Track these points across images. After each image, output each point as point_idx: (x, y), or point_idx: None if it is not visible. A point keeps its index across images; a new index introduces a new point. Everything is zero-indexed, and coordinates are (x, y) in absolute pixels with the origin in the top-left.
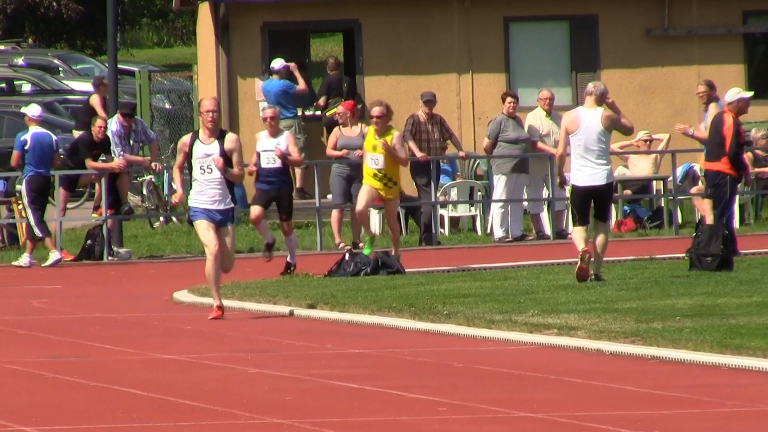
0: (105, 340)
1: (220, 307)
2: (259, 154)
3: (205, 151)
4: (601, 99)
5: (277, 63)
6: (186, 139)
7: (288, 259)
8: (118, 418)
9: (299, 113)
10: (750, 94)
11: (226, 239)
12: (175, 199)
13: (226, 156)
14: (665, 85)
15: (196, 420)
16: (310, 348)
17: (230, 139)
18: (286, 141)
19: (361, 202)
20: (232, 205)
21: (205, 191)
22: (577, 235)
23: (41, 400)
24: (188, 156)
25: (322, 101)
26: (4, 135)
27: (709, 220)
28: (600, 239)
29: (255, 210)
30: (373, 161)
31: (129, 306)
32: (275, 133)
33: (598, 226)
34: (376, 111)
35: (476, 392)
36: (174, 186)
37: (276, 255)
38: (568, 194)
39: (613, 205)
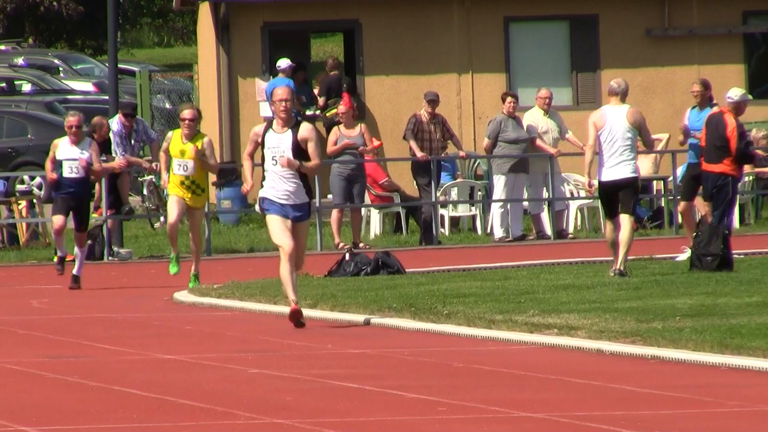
0: (105, 340)
1: (296, 303)
2: (60, 163)
3: (278, 140)
4: (625, 96)
5: (283, 62)
6: (258, 129)
7: (74, 271)
8: (118, 418)
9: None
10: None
11: (298, 237)
12: (245, 187)
13: (298, 146)
14: (665, 85)
15: (196, 420)
16: (310, 348)
17: (305, 128)
18: (90, 149)
19: (172, 215)
20: (308, 199)
21: (278, 185)
22: (608, 228)
23: (41, 400)
24: (260, 146)
25: (321, 102)
26: (4, 135)
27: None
28: (623, 234)
29: (59, 220)
30: (181, 167)
31: (129, 306)
32: (78, 140)
33: (622, 220)
34: (187, 114)
35: (476, 392)
36: (245, 175)
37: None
38: (589, 193)
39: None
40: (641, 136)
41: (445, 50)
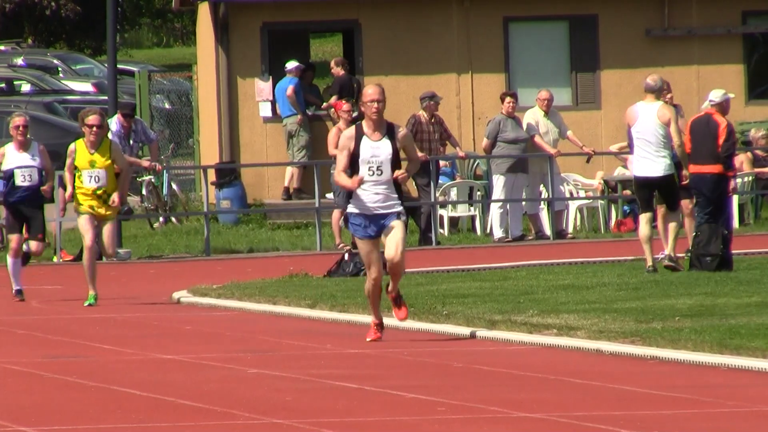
0: (105, 340)
1: (380, 326)
2: (11, 172)
3: (374, 150)
4: (660, 94)
5: (291, 64)
6: (350, 132)
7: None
8: (118, 418)
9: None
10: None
11: (395, 239)
12: (354, 183)
13: (397, 156)
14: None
15: (196, 420)
16: (310, 348)
17: (401, 135)
18: (40, 154)
19: (89, 237)
20: (400, 207)
21: (369, 194)
22: (642, 221)
23: (41, 400)
24: (352, 154)
25: (333, 101)
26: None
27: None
28: (670, 227)
29: (16, 238)
30: (92, 179)
31: (128, 306)
32: (26, 145)
33: (668, 215)
34: (92, 120)
35: (476, 392)
36: (346, 185)
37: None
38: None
39: (612, 205)
40: (672, 127)
41: (444, 50)
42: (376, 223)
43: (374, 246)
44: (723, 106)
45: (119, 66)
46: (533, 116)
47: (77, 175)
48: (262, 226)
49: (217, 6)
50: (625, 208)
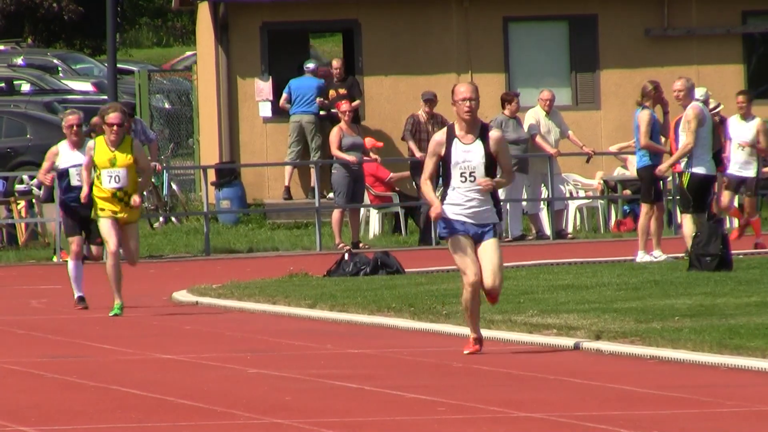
0: (105, 340)
1: (478, 340)
2: (65, 171)
3: (466, 154)
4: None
5: (312, 64)
6: (440, 137)
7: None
8: (118, 418)
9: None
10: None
11: (492, 264)
12: (434, 212)
13: (490, 160)
14: (665, 85)
15: (196, 420)
16: (310, 348)
17: (495, 139)
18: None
19: (112, 242)
20: (497, 219)
21: (461, 202)
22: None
23: (41, 400)
24: (443, 158)
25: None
26: (3, 135)
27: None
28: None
29: (77, 240)
30: (112, 179)
31: (128, 306)
32: (80, 144)
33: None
34: (114, 118)
35: (475, 392)
36: (431, 198)
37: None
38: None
39: (612, 205)
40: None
41: (444, 50)
42: (473, 228)
43: (469, 244)
44: (705, 105)
45: (119, 65)
46: (535, 116)
47: (96, 174)
48: (261, 226)
49: (216, 6)
50: (625, 208)
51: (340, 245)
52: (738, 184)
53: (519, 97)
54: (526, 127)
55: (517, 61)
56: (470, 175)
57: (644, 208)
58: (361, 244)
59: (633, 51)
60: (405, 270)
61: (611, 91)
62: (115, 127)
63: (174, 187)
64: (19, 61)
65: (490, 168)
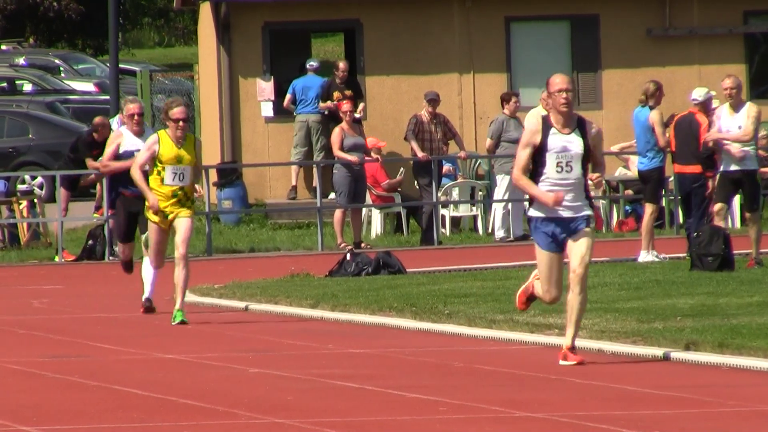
0: (105, 340)
1: (572, 349)
2: (130, 154)
3: (564, 143)
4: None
5: (316, 61)
6: (535, 126)
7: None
8: (119, 418)
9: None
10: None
11: (581, 250)
12: (554, 199)
13: (587, 153)
14: (666, 85)
15: (197, 420)
16: (311, 348)
17: (594, 132)
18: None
19: (154, 250)
20: (590, 211)
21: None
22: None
23: (41, 400)
24: (538, 147)
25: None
26: (5, 135)
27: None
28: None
29: (127, 249)
30: (176, 176)
31: (130, 306)
32: (141, 133)
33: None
34: (180, 112)
35: (477, 392)
36: (531, 193)
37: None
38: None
39: (614, 205)
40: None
41: (445, 50)
42: (564, 228)
43: (557, 262)
44: (706, 105)
45: (121, 65)
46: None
47: (157, 170)
48: (263, 226)
49: (218, 6)
50: (627, 207)
51: (342, 245)
52: (736, 183)
53: (518, 96)
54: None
55: (519, 60)
56: (567, 165)
57: (649, 208)
58: (363, 244)
59: (634, 51)
60: (407, 270)
61: (613, 91)
62: (181, 123)
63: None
64: (21, 61)
65: (587, 161)
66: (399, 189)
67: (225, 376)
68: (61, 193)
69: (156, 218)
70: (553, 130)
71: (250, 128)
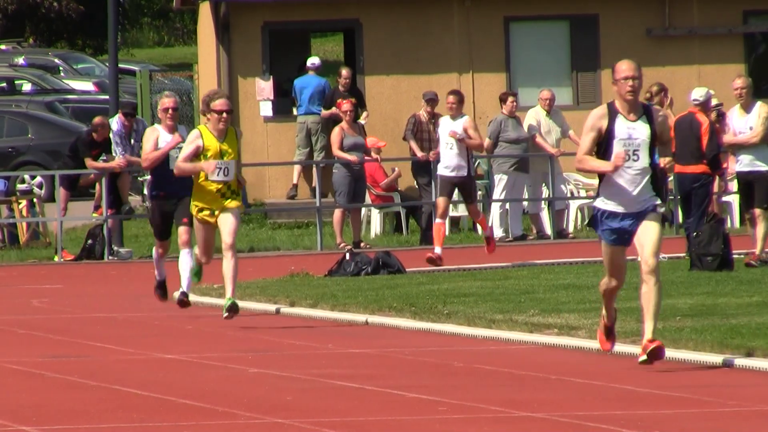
0: (105, 340)
1: (652, 342)
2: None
3: (631, 131)
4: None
5: (316, 59)
6: (601, 111)
7: (185, 287)
8: (119, 417)
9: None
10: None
11: (650, 241)
12: (615, 162)
13: (654, 140)
14: (666, 85)
15: (197, 420)
16: (311, 348)
17: (660, 119)
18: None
19: (201, 253)
20: (658, 200)
21: (624, 187)
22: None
23: (41, 400)
24: (605, 134)
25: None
26: (4, 134)
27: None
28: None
29: (164, 246)
30: (221, 171)
31: (129, 306)
32: (174, 129)
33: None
34: (222, 104)
35: (477, 392)
36: (596, 166)
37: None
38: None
39: None
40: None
41: (445, 50)
42: (630, 223)
43: (622, 254)
44: (706, 105)
45: (120, 65)
46: (535, 116)
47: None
48: (262, 225)
49: (218, 5)
50: None
51: (342, 245)
52: (748, 185)
53: (517, 96)
54: (526, 127)
55: (519, 60)
56: (633, 153)
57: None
58: (362, 244)
59: (634, 51)
60: (406, 269)
61: (612, 91)
62: (224, 115)
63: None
64: (21, 60)
65: (654, 149)
66: (398, 189)
67: (225, 376)
68: (61, 192)
69: (203, 214)
70: (619, 117)
71: (249, 128)
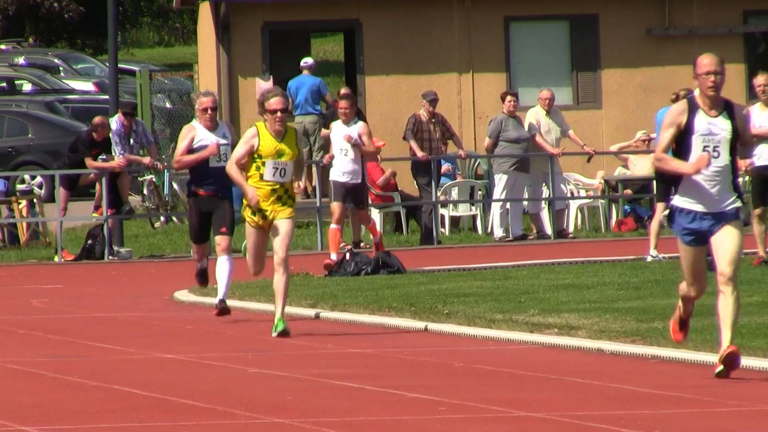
0: (105, 340)
1: (685, 323)
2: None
3: (711, 127)
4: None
5: (309, 59)
6: (681, 106)
7: (222, 294)
8: (118, 417)
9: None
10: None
11: (729, 249)
12: (696, 166)
13: (736, 135)
14: (666, 85)
15: (197, 420)
16: (311, 348)
17: (741, 114)
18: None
19: (252, 264)
20: (739, 203)
21: (702, 185)
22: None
23: (41, 400)
24: (684, 130)
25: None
26: (4, 134)
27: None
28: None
29: (201, 250)
30: (278, 172)
31: (129, 306)
32: (214, 127)
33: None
34: (277, 103)
35: (477, 392)
36: (675, 167)
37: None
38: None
39: (613, 204)
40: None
41: (445, 50)
42: (708, 222)
43: (700, 255)
44: None
45: (120, 65)
46: (535, 116)
47: (255, 165)
48: None
49: (218, 5)
50: (626, 207)
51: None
52: (765, 181)
53: (516, 96)
54: (526, 127)
55: (519, 60)
56: (714, 150)
57: (661, 207)
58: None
59: (634, 50)
60: (406, 269)
61: (612, 91)
62: (279, 114)
63: (175, 186)
64: (21, 60)
65: (734, 146)
66: (398, 188)
67: (224, 376)
68: (61, 192)
69: (255, 218)
70: (699, 112)
71: (249, 128)
